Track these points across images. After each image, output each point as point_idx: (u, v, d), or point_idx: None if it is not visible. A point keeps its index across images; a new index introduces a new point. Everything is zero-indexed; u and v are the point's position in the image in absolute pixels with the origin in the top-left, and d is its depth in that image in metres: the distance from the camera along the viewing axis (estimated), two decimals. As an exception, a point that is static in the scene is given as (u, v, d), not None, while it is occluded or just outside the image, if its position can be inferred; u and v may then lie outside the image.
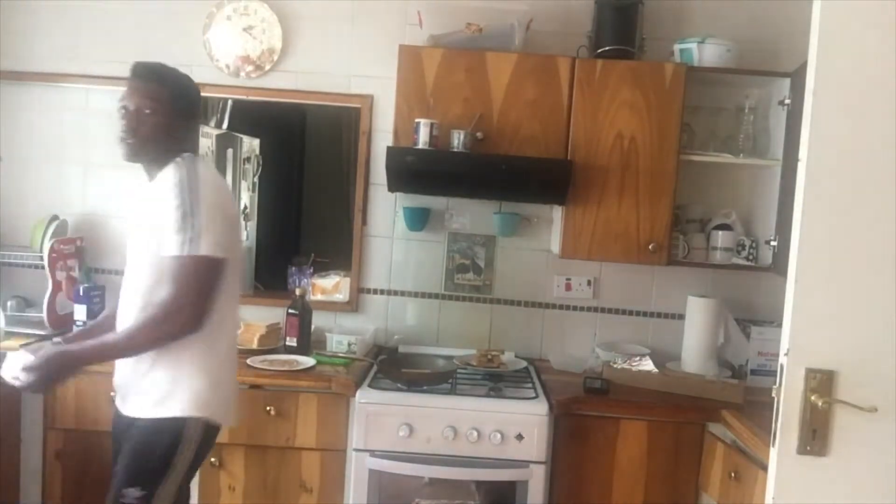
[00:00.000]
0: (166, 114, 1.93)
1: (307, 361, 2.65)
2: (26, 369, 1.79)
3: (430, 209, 3.03)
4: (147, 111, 1.91)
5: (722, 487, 2.34)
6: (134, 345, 1.85)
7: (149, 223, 1.89)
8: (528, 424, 2.41)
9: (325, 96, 3.02)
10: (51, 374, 1.82)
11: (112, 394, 2.09)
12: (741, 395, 2.50)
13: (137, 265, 1.95)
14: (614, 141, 2.68)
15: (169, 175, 1.88)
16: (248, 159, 4.43)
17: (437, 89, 2.69)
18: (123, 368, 1.98)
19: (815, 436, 1.51)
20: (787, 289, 1.53)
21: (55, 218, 2.97)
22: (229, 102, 3.93)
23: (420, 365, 2.68)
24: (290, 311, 2.81)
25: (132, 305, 1.94)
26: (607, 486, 2.50)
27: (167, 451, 1.90)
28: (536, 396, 2.50)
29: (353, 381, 2.48)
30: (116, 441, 2.02)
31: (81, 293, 2.80)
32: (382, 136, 2.95)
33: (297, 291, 2.84)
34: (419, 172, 2.66)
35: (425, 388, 2.50)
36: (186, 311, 1.79)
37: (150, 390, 1.92)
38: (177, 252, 1.79)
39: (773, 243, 2.62)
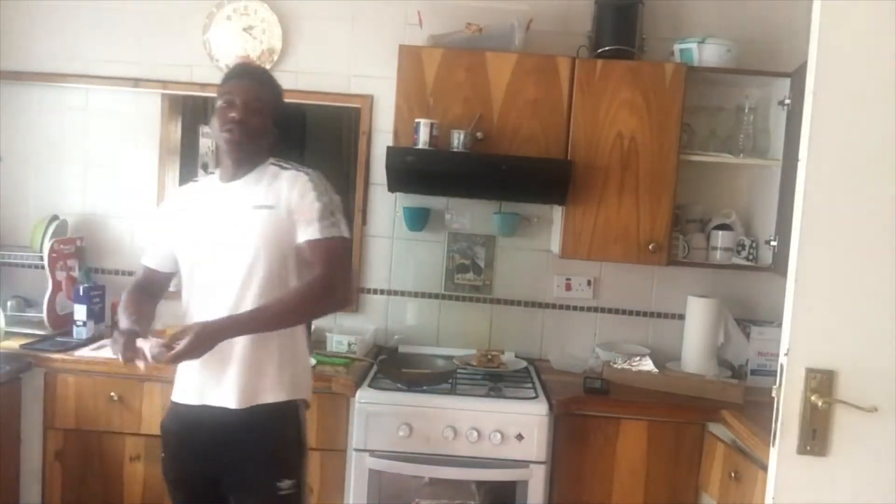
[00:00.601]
0: (269, 116, 1.99)
1: (307, 361, 2.65)
2: (166, 346, 1.79)
3: (430, 209, 3.03)
4: (254, 109, 1.94)
5: (722, 487, 2.34)
6: (291, 318, 1.91)
7: (261, 217, 1.92)
8: (528, 424, 2.41)
9: (325, 96, 3.02)
10: (195, 348, 1.80)
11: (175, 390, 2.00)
12: (741, 395, 2.50)
13: (239, 257, 1.91)
14: (614, 141, 2.68)
15: (292, 174, 1.97)
16: (248, 159, 4.42)
17: (437, 89, 2.69)
18: (235, 357, 1.90)
19: (815, 436, 1.51)
20: (787, 289, 1.53)
21: (55, 218, 2.96)
22: (229, 102, 3.94)
23: (420, 365, 2.68)
24: (290, 311, 2.80)
25: (246, 294, 1.90)
26: (607, 486, 2.50)
27: (297, 434, 1.97)
28: (536, 396, 2.50)
29: (353, 381, 2.47)
30: (202, 440, 1.93)
31: (81, 293, 2.80)
32: (382, 136, 2.95)
33: (297, 291, 2.84)
34: (419, 172, 2.66)
35: (425, 388, 2.50)
36: (343, 287, 1.95)
37: (268, 376, 1.93)
38: (324, 235, 1.91)
39: (773, 243, 2.62)
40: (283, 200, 1.92)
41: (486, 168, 2.63)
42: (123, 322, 1.96)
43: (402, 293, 3.09)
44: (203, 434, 1.93)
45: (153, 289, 2.11)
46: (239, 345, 1.88)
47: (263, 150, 2.01)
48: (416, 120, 2.64)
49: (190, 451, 1.96)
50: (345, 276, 1.96)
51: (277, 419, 1.93)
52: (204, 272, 1.96)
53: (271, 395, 1.92)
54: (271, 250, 1.91)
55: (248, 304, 1.88)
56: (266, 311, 1.86)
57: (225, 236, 1.93)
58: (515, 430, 2.40)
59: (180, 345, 1.77)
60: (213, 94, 3.13)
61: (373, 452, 2.40)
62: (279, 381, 1.93)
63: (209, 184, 2.05)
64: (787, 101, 2.61)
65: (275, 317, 1.87)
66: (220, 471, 1.93)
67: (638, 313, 3.07)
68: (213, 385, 1.91)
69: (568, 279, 3.06)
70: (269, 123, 1.99)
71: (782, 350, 1.53)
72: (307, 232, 1.91)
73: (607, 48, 2.76)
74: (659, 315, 3.07)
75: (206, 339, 1.80)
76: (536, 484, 2.40)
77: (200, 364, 1.86)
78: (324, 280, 1.89)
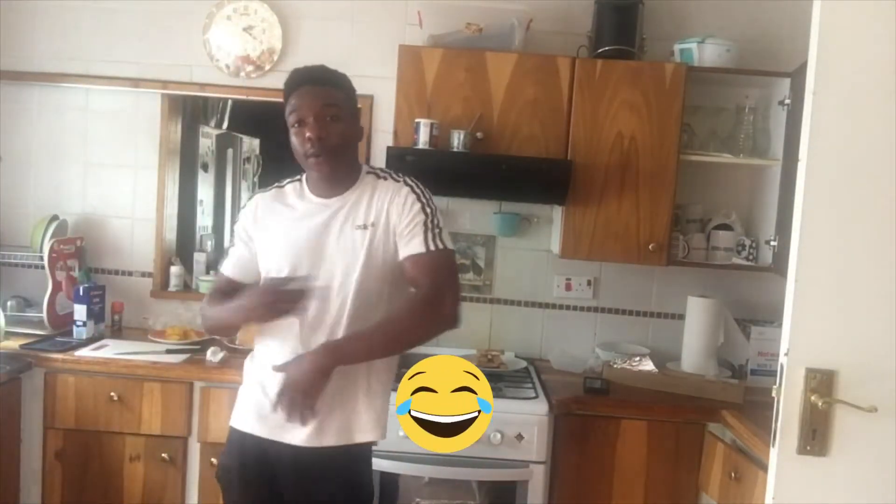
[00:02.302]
0: (349, 116, 1.82)
1: (307, 361, 2.65)
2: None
3: (430, 209, 3.02)
4: (332, 118, 1.77)
5: (722, 487, 2.34)
6: (402, 341, 1.77)
7: (362, 237, 1.78)
8: (528, 424, 2.41)
9: (325, 96, 3.01)
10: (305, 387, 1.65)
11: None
12: (741, 395, 2.50)
13: (338, 279, 1.77)
14: (614, 141, 2.68)
15: (391, 184, 1.82)
16: (248, 159, 4.44)
17: (437, 89, 2.69)
18: (331, 391, 1.71)
19: (815, 436, 1.51)
20: (787, 289, 1.53)
21: (55, 218, 2.96)
22: (229, 102, 3.95)
23: (420, 365, 2.68)
24: (290, 311, 2.80)
25: (342, 317, 1.75)
26: (607, 486, 2.50)
27: (370, 480, 1.86)
28: (536, 396, 2.50)
29: (353, 381, 2.47)
30: (271, 481, 1.79)
31: (81, 293, 2.80)
32: (382, 136, 2.95)
33: (297, 291, 2.83)
34: (419, 172, 2.62)
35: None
36: (453, 303, 1.77)
37: (361, 413, 1.80)
38: (429, 249, 1.76)
39: (773, 243, 2.62)
40: (384, 216, 1.78)
41: (486, 168, 2.63)
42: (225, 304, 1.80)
43: (402, 293, 3.09)
44: (271, 472, 1.79)
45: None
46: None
47: (355, 158, 1.87)
48: (416, 120, 2.64)
49: (257, 491, 1.81)
50: (454, 291, 1.78)
51: (362, 461, 1.83)
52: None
53: (366, 434, 1.80)
54: (371, 272, 1.77)
55: (342, 328, 1.75)
56: (384, 331, 1.72)
57: (327, 256, 1.78)
58: (515, 430, 2.40)
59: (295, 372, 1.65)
60: (214, 94, 3.21)
61: (373, 452, 2.40)
62: (376, 418, 1.81)
63: (302, 195, 1.86)
64: (787, 101, 2.61)
65: (390, 341, 1.74)
66: None
67: (638, 313, 3.07)
68: (317, 420, 1.73)
69: (568, 279, 3.06)
70: (352, 123, 1.83)
71: (782, 350, 1.53)
72: (410, 247, 1.77)
73: (607, 48, 2.76)
74: (659, 315, 3.07)
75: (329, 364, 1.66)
76: (536, 484, 2.40)
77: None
78: (432, 296, 1.74)
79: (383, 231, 1.79)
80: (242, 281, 1.87)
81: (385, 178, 1.85)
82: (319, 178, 1.82)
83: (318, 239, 1.79)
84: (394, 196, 1.80)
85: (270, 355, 1.80)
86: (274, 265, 1.82)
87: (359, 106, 1.95)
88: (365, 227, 1.79)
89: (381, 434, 1.84)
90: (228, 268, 1.91)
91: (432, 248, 1.77)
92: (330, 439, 1.77)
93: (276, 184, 1.94)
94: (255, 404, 1.82)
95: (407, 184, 1.83)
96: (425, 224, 1.78)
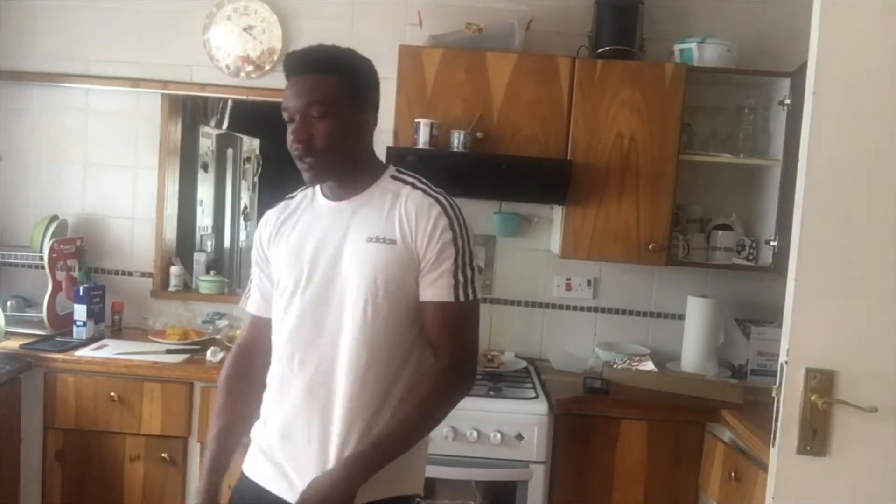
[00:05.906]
0: (347, 111, 1.54)
1: (307, 361, 2.65)
2: None
3: (430, 209, 3.02)
4: (321, 117, 1.47)
5: (722, 487, 2.34)
6: (431, 422, 1.46)
7: (377, 252, 1.47)
8: (528, 424, 2.41)
9: (326, 96, 3.01)
10: None
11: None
12: (741, 395, 2.50)
13: (345, 299, 1.46)
14: (614, 141, 2.68)
15: (419, 197, 1.52)
16: (248, 159, 4.44)
17: (437, 89, 2.69)
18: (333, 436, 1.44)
19: (815, 436, 1.51)
20: (787, 289, 1.53)
21: (55, 218, 2.96)
22: (229, 102, 3.95)
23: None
24: (290, 311, 2.79)
25: (344, 343, 1.45)
26: (607, 486, 2.50)
27: None
28: (536, 396, 2.50)
29: (353, 381, 2.47)
30: None
31: (81, 293, 2.80)
32: (382, 136, 2.92)
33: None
34: (419, 173, 2.64)
35: (425, 388, 2.50)
36: (474, 368, 1.51)
37: (407, 460, 1.45)
38: (457, 298, 1.46)
39: (773, 243, 2.62)
40: (407, 234, 1.45)
41: (486, 168, 2.63)
42: (211, 436, 1.52)
43: (402, 293, 3.08)
44: None
45: (261, 348, 1.57)
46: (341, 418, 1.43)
47: (362, 156, 1.55)
48: (416, 120, 2.64)
49: None
50: (476, 353, 1.52)
51: None
52: (301, 309, 1.48)
53: (398, 487, 1.47)
54: (388, 295, 1.44)
55: (346, 355, 1.44)
56: (407, 427, 1.40)
57: (331, 269, 1.47)
58: (515, 430, 2.40)
59: None
60: (214, 94, 3.21)
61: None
62: (408, 469, 1.48)
63: (314, 201, 1.58)
64: (787, 101, 2.61)
65: (423, 428, 1.45)
66: None
67: (638, 313, 3.07)
68: (287, 471, 1.46)
69: (568, 279, 3.05)
70: (351, 116, 1.51)
71: (782, 350, 1.53)
72: (436, 288, 1.45)
73: (607, 48, 2.75)
74: (659, 315, 3.07)
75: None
76: (536, 484, 2.40)
77: (281, 441, 1.46)
78: (461, 366, 1.46)
79: (409, 252, 1.45)
80: (270, 317, 1.56)
81: (411, 185, 1.53)
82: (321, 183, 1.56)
83: (323, 249, 1.48)
84: (420, 214, 1.46)
85: (274, 420, 1.51)
86: (281, 283, 1.52)
87: (373, 88, 1.64)
88: (381, 240, 1.45)
89: (413, 488, 1.52)
90: (252, 305, 1.63)
91: (462, 297, 1.45)
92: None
93: (288, 196, 1.64)
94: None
95: (440, 202, 1.48)
96: (456, 262, 1.45)
